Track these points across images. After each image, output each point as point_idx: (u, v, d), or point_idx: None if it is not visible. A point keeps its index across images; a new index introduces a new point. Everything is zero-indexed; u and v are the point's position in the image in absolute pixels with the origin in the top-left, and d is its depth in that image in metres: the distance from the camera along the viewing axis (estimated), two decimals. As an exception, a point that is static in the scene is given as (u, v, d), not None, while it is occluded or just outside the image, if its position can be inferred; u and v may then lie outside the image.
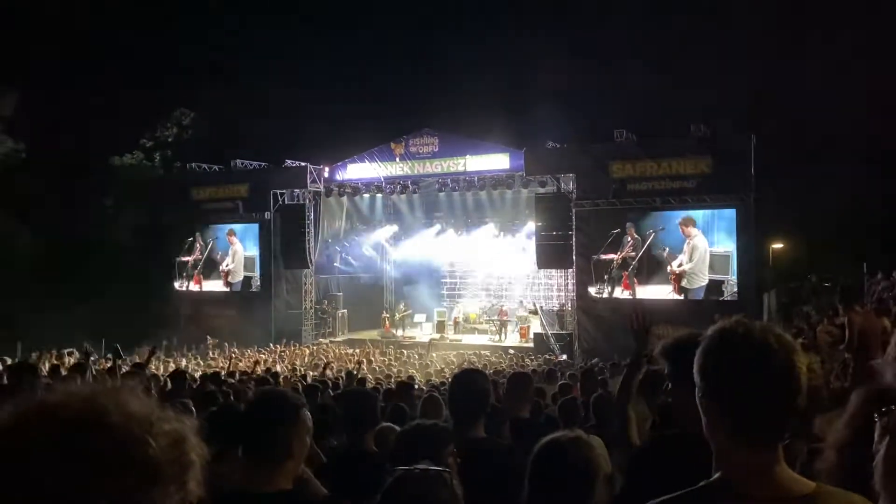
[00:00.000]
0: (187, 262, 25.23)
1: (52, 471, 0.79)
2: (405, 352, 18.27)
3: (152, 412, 0.88)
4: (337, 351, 19.37)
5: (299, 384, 8.53)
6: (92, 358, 9.44)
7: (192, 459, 0.89)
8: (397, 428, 3.67)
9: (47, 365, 11.90)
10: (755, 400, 1.26)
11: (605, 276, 18.96)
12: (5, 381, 6.29)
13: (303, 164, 23.18)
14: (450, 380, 3.63)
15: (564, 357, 17.88)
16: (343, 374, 11.02)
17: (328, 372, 11.21)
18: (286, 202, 23.43)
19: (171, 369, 11.42)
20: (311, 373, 12.81)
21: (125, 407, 0.86)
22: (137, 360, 9.92)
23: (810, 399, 3.07)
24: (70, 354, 15.21)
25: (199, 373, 12.19)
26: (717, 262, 17.88)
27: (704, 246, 18.04)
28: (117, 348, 8.05)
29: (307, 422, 2.26)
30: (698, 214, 18.19)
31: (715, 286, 17.84)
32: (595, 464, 1.92)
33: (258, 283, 23.85)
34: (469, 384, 3.04)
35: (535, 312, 21.90)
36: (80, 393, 0.87)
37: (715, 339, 1.34)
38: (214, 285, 24.76)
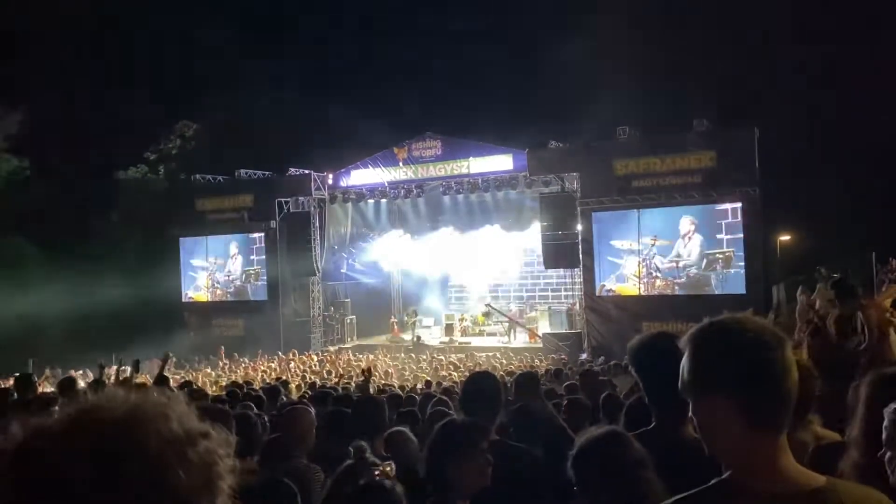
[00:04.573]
0: (195, 273, 25.32)
1: (82, 490, 0.79)
2: (413, 356, 18.29)
3: (190, 430, 0.87)
4: (346, 357, 19.39)
5: (308, 392, 8.53)
6: (115, 368, 9.47)
7: (221, 485, 0.88)
8: (408, 432, 3.68)
9: (51, 382, 11.95)
10: (759, 389, 1.29)
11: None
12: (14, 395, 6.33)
13: (306, 171, 23.23)
14: (461, 383, 3.65)
15: (584, 356, 17.81)
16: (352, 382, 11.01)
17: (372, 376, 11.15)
18: (291, 210, 23.48)
19: (179, 380, 11.44)
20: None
21: (163, 427, 0.85)
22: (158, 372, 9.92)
23: (804, 393, 3.07)
24: (81, 375, 15.21)
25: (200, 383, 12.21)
26: (719, 259, 17.82)
27: (704, 243, 18.00)
28: (137, 362, 8.11)
29: None
30: (702, 210, 18.13)
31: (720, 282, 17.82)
32: (637, 455, 1.93)
33: (265, 291, 23.89)
34: (481, 386, 3.06)
35: (486, 315, 21.95)
36: (120, 408, 0.86)
37: (712, 336, 1.36)
38: (222, 295, 24.84)
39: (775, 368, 1.29)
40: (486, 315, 22.20)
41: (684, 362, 1.39)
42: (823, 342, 5.93)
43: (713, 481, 1.33)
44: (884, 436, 1.77)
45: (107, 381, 7.38)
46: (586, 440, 2.00)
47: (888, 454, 1.72)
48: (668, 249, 18.43)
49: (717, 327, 1.37)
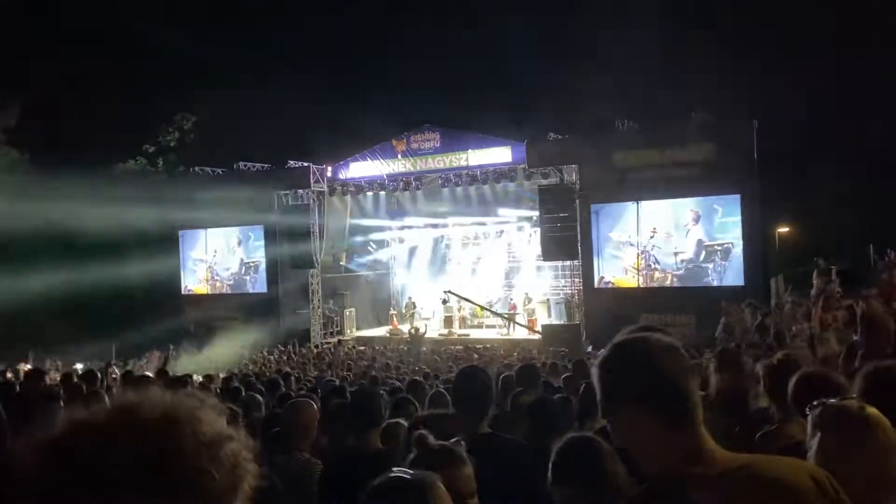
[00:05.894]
0: (194, 265, 25.34)
1: (122, 488, 0.80)
2: (412, 348, 18.31)
3: (220, 433, 0.89)
4: (346, 349, 19.43)
5: (306, 385, 8.55)
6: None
7: (245, 486, 0.91)
8: (404, 424, 3.69)
9: (57, 374, 11.97)
10: (665, 393, 1.44)
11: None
12: (18, 388, 6.35)
13: (305, 164, 23.20)
14: (454, 377, 3.66)
15: (591, 348, 17.79)
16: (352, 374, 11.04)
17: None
18: (290, 203, 23.48)
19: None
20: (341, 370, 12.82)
21: (197, 429, 0.87)
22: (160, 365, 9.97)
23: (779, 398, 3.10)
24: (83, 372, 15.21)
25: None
26: (718, 251, 17.84)
27: (703, 235, 18.01)
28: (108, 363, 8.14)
29: None
30: (701, 202, 18.14)
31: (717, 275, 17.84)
32: (608, 462, 1.94)
33: (265, 284, 23.92)
34: (473, 381, 3.07)
35: (445, 301, 21.87)
36: (158, 409, 0.87)
37: (617, 356, 1.53)
38: (222, 288, 24.87)
39: (675, 374, 1.45)
40: (445, 303, 22.10)
41: (595, 384, 1.54)
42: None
43: (649, 481, 1.46)
44: (808, 437, 1.82)
45: (99, 376, 7.42)
46: (558, 452, 2.01)
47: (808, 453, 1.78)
48: (667, 241, 18.44)
49: (620, 348, 1.54)
